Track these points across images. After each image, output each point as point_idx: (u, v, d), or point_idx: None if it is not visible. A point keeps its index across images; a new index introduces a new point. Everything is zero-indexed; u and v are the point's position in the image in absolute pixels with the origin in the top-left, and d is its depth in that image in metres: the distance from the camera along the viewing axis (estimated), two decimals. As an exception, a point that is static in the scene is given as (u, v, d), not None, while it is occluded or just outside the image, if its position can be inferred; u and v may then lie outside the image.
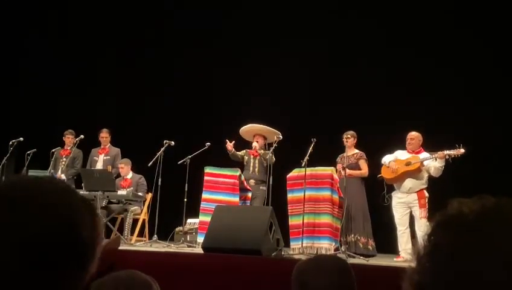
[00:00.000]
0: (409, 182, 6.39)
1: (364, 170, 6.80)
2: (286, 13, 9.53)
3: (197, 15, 9.88)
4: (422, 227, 6.08)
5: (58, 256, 0.80)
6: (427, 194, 6.34)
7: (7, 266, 0.77)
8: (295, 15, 9.53)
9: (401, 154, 6.59)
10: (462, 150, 6.11)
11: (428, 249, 0.74)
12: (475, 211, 0.74)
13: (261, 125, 7.40)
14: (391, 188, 6.58)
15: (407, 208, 6.39)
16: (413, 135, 6.59)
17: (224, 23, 9.73)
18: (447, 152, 6.18)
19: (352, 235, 6.48)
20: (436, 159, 6.29)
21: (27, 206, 0.81)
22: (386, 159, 6.62)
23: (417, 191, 6.36)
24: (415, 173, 6.37)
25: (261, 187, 7.09)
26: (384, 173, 6.59)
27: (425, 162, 6.38)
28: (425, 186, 6.40)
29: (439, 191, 6.32)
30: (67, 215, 0.82)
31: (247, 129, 7.48)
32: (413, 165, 6.37)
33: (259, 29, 9.47)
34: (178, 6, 10.01)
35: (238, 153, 7.33)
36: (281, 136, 6.98)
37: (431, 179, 6.44)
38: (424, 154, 6.45)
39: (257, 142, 7.32)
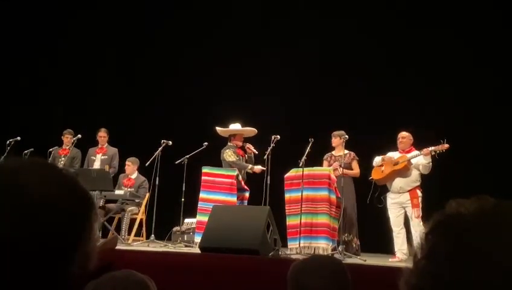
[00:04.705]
0: (398, 182, 6.42)
1: (357, 170, 6.92)
2: (286, 13, 9.53)
3: (196, 13, 9.89)
4: (416, 227, 6.11)
5: (49, 251, 0.75)
6: (420, 194, 6.36)
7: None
8: (295, 15, 9.54)
9: (392, 155, 6.63)
10: (446, 145, 6.17)
11: (425, 252, 0.73)
12: (473, 212, 0.73)
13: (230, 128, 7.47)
14: (385, 189, 6.60)
15: (401, 209, 6.41)
16: (404, 134, 6.65)
17: (224, 22, 9.74)
18: (431, 148, 6.24)
19: (346, 235, 6.53)
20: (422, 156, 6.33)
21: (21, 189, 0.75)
22: (376, 160, 6.68)
23: (409, 190, 6.38)
24: (403, 172, 6.41)
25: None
26: (374, 174, 6.64)
27: (413, 161, 6.42)
28: (417, 184, 6.42)
29: (432, 191, 6.36)
30: (64, 211, 0.77)
31: (224, 131, 7.52)
32: (400, 164, 6.41)
33: (258, 29, 9.48)
34: (177, 4, 10.02)
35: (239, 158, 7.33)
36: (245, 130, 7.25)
37: (424, 178, 6.45)
38: (412, 153, 6.49)
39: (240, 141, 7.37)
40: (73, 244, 0.78)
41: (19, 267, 0.73)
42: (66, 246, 0.77)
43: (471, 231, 0.71)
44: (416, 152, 6.44)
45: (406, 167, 6.38)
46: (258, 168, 7.11)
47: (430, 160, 6.29)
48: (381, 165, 6.61)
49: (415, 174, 6.42)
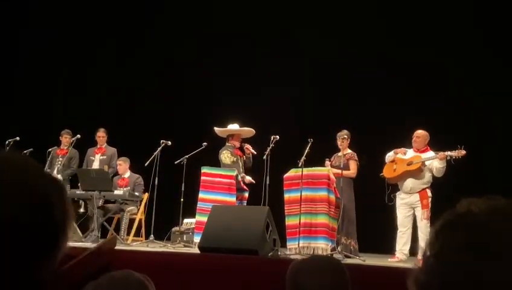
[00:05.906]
0: (409, 182, 6.34)
1: (353, 170, 6.78)
2: (284, 13, 9.53)
3: (193, 14, 9.89)
4: (424, 228, 6.03)
5: (29, 237, 0.76)
6: (429, 194, 6.26)
7: None
8: (293, 15, 9.54)
9: (406, 151, 6.53)
10: (464, 152, 6.04)
11: (435, 249, 0.73)
12: (484, 211, 0.72)
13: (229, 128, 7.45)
14: (395, 188, 6.52)
15: (410, 209, 6.33)
16: (419, 133, 6.51)
17: (223, 21, 9.73)
18: (448, 153, 6.12)
19: (344, 238, 6.49)
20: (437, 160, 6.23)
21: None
22: (388, 156, 6.60)
23: (419, 191, 6.29)
24: (416, 173, 6.31)
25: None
26: (386, 172, 6.57)
27: (427, 162, 6.31)
28: (427, 185, 6.33)
29: (441, 192, 6.27)
30: (39, 194, 0.79)
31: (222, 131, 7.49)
32: (414, 165, 6.32)
33: (257, 29, 9.48)
34: (176, 3, 10.02)
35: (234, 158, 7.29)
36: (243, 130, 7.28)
37: (434, 178, 6.35)
38: (428, 154, 6.37)
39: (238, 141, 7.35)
40: (41, 231, 0.79)
41: None
42: (35, 233, 0.78)
43: (482, 230, 0.71)
44: (432, 154, 6.32)
45: (420, 168, 6.29)
46: (248, 179, 7.13)
47: (445, 164, 6.17)
48: (394, 163, 6.52)
49: (427, 175, 6.32)
